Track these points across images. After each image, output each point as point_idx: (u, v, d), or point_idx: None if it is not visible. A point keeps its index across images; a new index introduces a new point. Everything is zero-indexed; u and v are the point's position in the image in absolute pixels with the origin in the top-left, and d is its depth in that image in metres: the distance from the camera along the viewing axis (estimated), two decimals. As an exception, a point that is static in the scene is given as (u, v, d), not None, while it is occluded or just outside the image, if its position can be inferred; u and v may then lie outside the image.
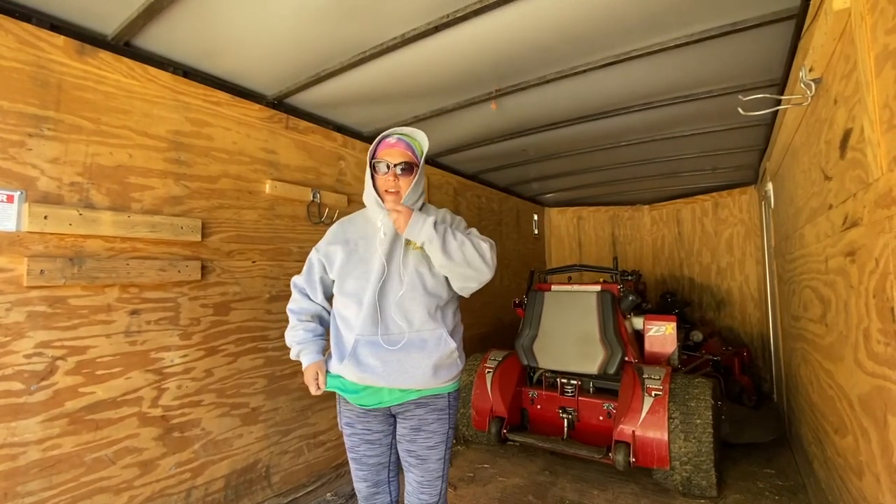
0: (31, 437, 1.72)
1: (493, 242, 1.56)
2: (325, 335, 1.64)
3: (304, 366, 1.57)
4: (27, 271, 1.71)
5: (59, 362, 1.81)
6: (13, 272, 1.70)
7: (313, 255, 1.65)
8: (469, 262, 1.45)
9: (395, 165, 1.49)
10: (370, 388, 1.51)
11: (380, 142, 1.54)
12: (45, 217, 1.76)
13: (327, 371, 1.58)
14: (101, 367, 1.92)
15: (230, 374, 2.40)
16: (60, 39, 1.86)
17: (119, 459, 1.96)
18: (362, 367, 1.46)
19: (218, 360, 2.35)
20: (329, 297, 1.66)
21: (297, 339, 1.59)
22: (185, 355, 2.21)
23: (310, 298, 1.64)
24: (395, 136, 1.54)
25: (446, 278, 1.54)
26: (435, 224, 1.43)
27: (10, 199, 1.70)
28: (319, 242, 1.65)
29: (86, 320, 1.88)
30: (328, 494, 2.66)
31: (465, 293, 1.58)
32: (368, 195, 1.57)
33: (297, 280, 1.68)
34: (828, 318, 1.89)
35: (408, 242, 1.53)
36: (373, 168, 1.54)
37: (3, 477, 1.65)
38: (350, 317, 1.51)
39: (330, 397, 2.93)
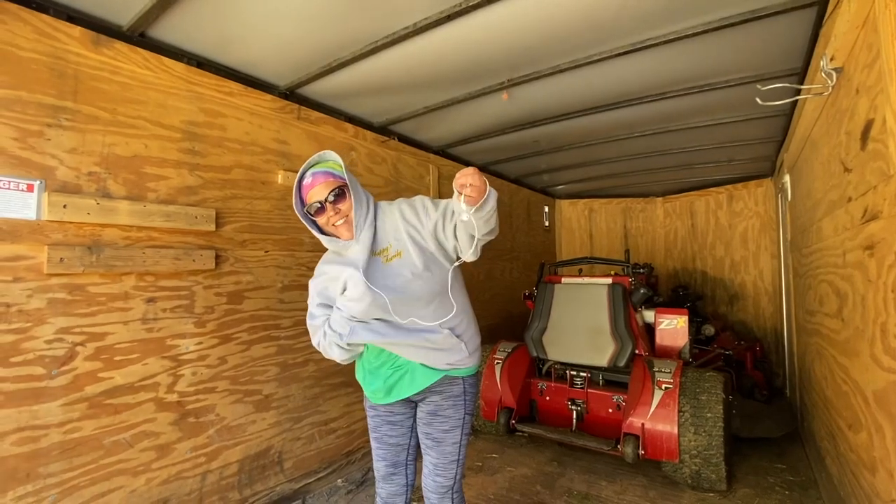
0: (52, 420, 1.77)
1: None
2: None
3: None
4: (47, 259, 1.75)
5: (78, 348, 1.85)
6: (34, 260, 1.74)
7: (316, 306, 1.55)
8: (493, 224, 1.39)
9: (326, 200, 1.44)
10: (381, 381, 1.56)
11: (298, 189, 1.48)
12: (64, 206, 1.79)
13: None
14: (119, 353, 1.97)
15: (243, 362, 2.44)
16: (77, 30, 1.88)
17: (137, 443, 2.01)
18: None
19: (231, 348, 2.39)
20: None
21: (346, 330, 1.44)
22: (199, 343, 2.25)
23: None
24: (309, 173, 1.47)
25: (433, 274, 1.47)
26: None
27: (30, 188, 1.73)
28: (310, 292, 1.57)
29: (104, 307, 1.93)
30: (339, 480, 2.71)
31: (476, 255, 1.46)
32: (322, 239, 1.52)
33: (310, 321, 1.55)
34: (844, 312, 1.86)
35: (377, 254, 1.48)
36: (310, 216, 1.49)
37: (25, 458, 1.70)
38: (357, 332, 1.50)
39: (340, 386, 2.98)
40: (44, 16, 1.79)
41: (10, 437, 1.67)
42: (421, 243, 1.48)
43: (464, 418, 1.59)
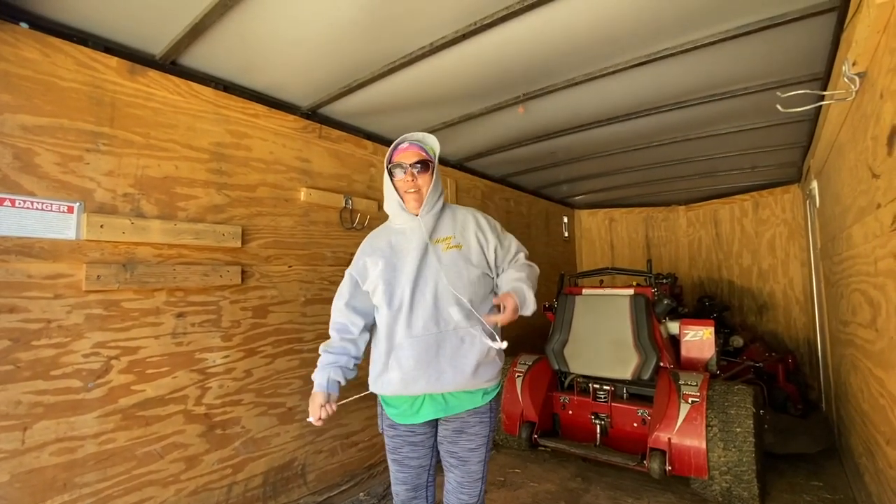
0: (88, 431, 1.85)
1: (525, 250, 1.67)
2: (352, 365, 1.61)
3: (313, 388, 1.54)
4: (85, 276, 1.84)
5: (113, 361, 1.93)
6: (73, 277, 1.83)
7: (346, 274, 1.64)
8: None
9: (410, 165, 1.54)
10: (410, 400, 1.53)
11: (393, 149, 1.59)
12: (102, 226, 1.89)
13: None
14: (151, 367, 2.04)
15: (268, 375, 2.50)
16: (114, 60, 2.00)
17: (167, 454, 2.07)
18: (403, 371, 1.47)
19: (257, 361, 2.45)
20: (365, 310, 1.61)
21: (319, 361, 1.58)
22: (226, 356, 2.31)
23: (347, 313, 1.59)
24: (406, 141, 1.60)
25: (483, 277, 1.56)
26: (524, 287, 1.51)
27: (70, 210, 1.83)
28: (352, 261, 1.66)
29: (137, 322, 2.01)
30: (361, 494, 2.71)
31: None
32: (390, 200, 1.59)
33: (334, 302, 1.63)
34: (878, 322, 1.80)
35: (438, 241, 1.55)
36: (391, 174, 1.58)
37: (63, 468, 1.77)
38: (387, 324, 1.52)
39: (361, 399, 2.99)
40: (83, 48, 1.91)
41: (50, 447, 1.75)
42: (486, 252, 1.59)
43: (488, 435, 1.58)
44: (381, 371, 1.53)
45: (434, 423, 1.61)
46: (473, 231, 1.58)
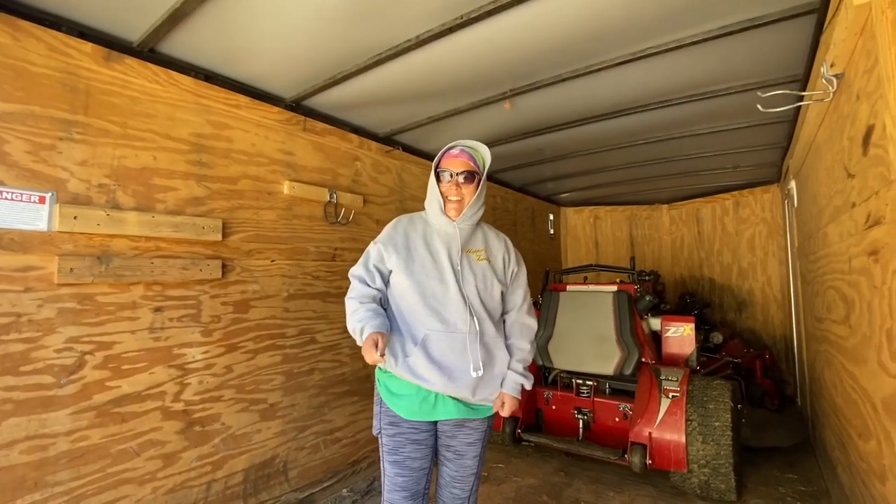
0: (60, 428, 1.80)
1: (534, 319, 1.71)
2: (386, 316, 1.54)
3: (364, 336, 1.40)
4: (58, 269, 1.79)
5: (87, 357, 1.88)
6: (44, 270, 1.77)
7: (371, 247, 1.61)
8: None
9: (457, 174, 1.56)
10: (423, 395, 1.49)
11: (444, 152, 1.61)
12: (75, 217, 1.83)
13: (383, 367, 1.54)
14: (127, 362, 1.99)
15: (249, 371, 2.46)
16: (88, 46, 1.93)
17: (143, 451, 2.02)
18: (430, 360, 1.45)
19: (237, 357, 2.41)
20: (385, 280, 1.60)
21: (359, 318, 1.45)
22: (206, 352, 2.27)
23: (368, 285, 1.57)
24: (459, 147, 1.61)
25: (500, 294, 1.64)
26: (524, 379, 1.61)
27: (42, 200, 1.77)
28: (378, 237, 1.63)
29: (112, 317, 1.96)
30: (344, 490, 2.70)
31: None
32: (432, 200, 1.60)
33: (354, 270, 1.61)
34: (851, 319, 1.84)
35: (469, 251, 1.60)
36: (437, 177, 1.60)
37: (34, 467, 1.72)
38: (415, 313, 1.50)
39: (345, 395, 2.98)
40: (57, 32, 1.84)
41: (20, 445, 1.69)
42: (506, 272, 1.67)
43: (486, 430, 1.61)
44: (406, 355, 1.48)
45: (435, 422, 1.59)
46: (503, 253, 1.66)
